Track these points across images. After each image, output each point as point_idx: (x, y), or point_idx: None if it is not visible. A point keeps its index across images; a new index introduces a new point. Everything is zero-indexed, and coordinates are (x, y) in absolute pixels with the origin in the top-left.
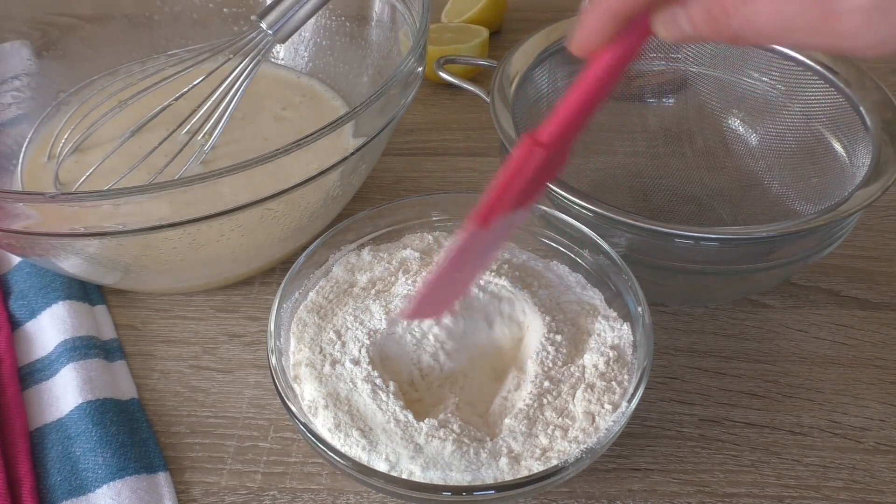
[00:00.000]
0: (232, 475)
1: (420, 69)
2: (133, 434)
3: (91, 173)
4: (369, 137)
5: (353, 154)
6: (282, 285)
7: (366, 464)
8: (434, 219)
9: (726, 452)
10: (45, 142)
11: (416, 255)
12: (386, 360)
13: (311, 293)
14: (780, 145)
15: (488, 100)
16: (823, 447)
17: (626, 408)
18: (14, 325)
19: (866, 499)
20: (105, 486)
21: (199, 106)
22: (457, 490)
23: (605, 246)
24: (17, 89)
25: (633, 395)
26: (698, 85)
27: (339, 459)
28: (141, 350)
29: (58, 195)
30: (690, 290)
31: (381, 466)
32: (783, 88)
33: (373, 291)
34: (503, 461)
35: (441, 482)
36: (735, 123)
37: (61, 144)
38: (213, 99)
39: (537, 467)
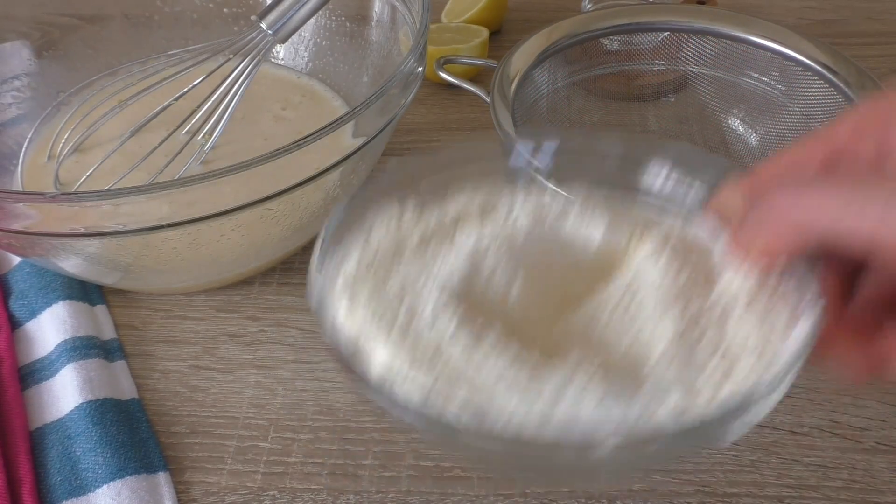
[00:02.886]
0: (232, 475)
1: (420, 69)
2: (133, 434)
3: (91, 173)
4: (369, 137)
5: (353, 154)
6: (316, 252)
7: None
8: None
9: (726, 452)
10: (45, 142)
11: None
12: (474, 306)
13: (353, 254)
14: (780, 145)
15: (488, 100)
16: (823, 447)
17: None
18: (14, 325)
19: (866, 499)
20: (105, 486)
21: (199, 106)
22: (623, 441)
23: None
24: (17, 89)
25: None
26: (698, 85)
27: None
28: (141, 350)
29: (58, 195)
30: None
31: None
32: (783, 88)
33: (432, 243)
34: (673, 398)
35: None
36: (735, 123)
37: (61, 144)
38: (213, 99)
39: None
